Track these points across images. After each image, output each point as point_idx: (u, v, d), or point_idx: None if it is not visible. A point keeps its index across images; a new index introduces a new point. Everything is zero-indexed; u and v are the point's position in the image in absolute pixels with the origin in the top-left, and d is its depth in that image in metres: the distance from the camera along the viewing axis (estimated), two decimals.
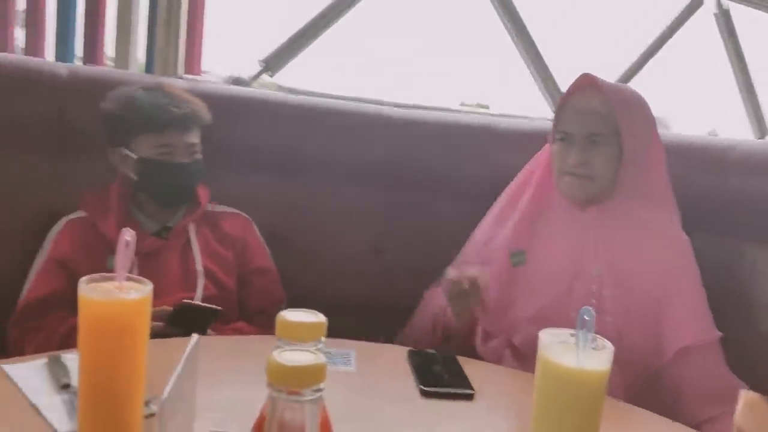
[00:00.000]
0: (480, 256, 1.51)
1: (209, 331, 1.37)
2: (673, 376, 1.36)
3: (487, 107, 3.50)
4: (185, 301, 1.33)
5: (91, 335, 0.79)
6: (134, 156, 1.48)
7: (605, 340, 0.87)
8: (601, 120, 1.40)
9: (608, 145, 1.40)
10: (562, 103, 1.46)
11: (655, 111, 1.48)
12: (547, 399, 0.87)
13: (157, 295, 0.84)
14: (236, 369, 1.10)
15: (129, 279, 0.83)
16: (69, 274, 1.42)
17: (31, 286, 1.44)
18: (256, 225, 1.64)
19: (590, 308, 0.85)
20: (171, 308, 1.32)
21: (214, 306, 1.33)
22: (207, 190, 1.60)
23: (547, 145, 1.51)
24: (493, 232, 1.53)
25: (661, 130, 1.47)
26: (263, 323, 1.49)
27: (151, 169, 1.47)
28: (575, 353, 0.84)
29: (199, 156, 1.52)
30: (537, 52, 2.46)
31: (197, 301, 1.39)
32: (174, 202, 1.53)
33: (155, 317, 1.29)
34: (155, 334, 1.25)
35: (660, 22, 2.58)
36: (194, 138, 1.52)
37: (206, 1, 2.48)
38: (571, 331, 0.88)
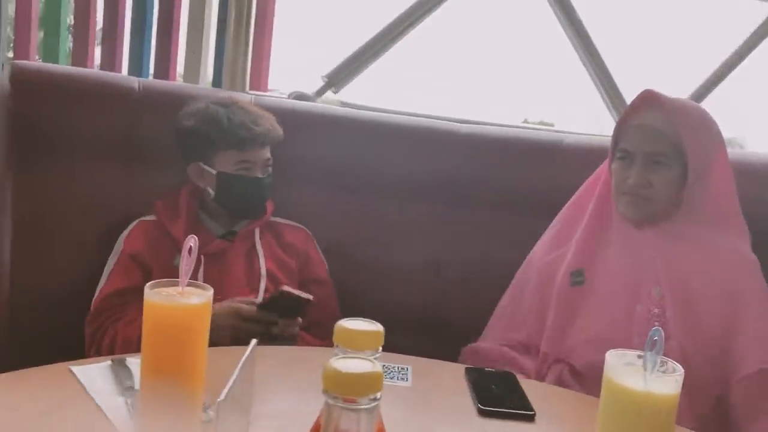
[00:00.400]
0: (540, 274, 1.48)
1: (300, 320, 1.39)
2: (737, 407, 1.29)
3: (551, 125, 3.44)
4: (283, 287, 1.36)
5: (153, 338, 0.81)
6: (213, 171, 1.53)
7: (675, 362, 0.83)
8: (663, 139, 1.35)
9: (670, 165, 1.35)
10: (623, 119, 1.42)
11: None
12: (613, 423, 0.83)
13: (221, 294, 0.86)
14: (293, 377, 1.10)
15: (191, 284, 0.84)
16: (141, 269, 1.48)
17: (104, 284, 1.50)
18: (316, 237, 1.66)
19: (659, 329, 0.82)
20: (256, 301, 1.37)
21: (309, 296, 1.37)
22: (271, 201, 1.63)
23: (606, 162, 1.47)
24: (551, 250, 1.49)
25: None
26: (319, 334, 1.50)
27: (231, 183, 1.52)
28: (643, 376, 0.80)
29: (271, 170, 1.57)
30: (604, 67, 2.41)
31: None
32: (249, 214, 1.58)
33: (246, 305, 1.35)
34: (240, 328, 1.31)
35: (736, 38, 2.49)
36: (269, 153, 1.57)
37: (274, 19, 2.54)
38: (639, 352, 0.84)
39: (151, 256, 1.48)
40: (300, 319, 1.40)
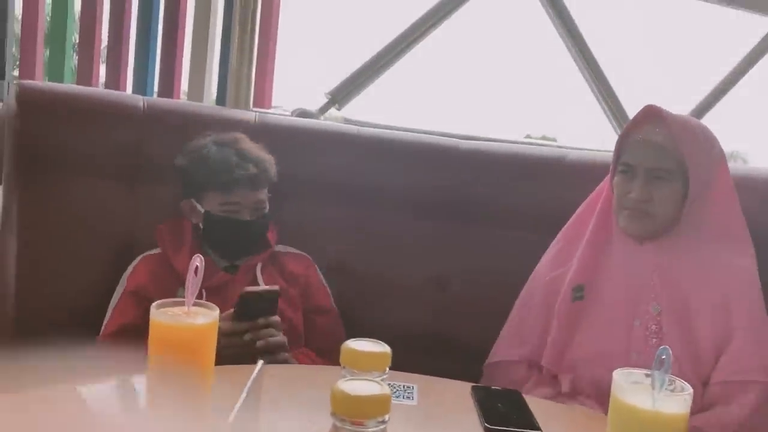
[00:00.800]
0: (544, 291, 1.48)
1: (277, 317, 1.37)
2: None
3: (553, 140, 3.45)
4: (244, 290, 1.34)
5: (160, 358, 0.81)
6: (201, 209, 1.53)
7: (684, 381, 0.82)
8: (665, 154, 1.35)
9: (672, 181, 1.35)
10: (625, 134, 1.42)
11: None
12: None
13: None
14: (300, 398, 1.09)
15: (197, 304, 0.84)
16: (145, 304, 1.45)
17: (107, 322, 1.49)
18: (320, 255, 1.65)
19: (668, 348, 0.81)
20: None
21: (273, 287, 1.35)
22: (275, 231, 1.62)
23: (607, 177, 1.47)
24: (555, 267, 1.49)
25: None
26: (325, 363, 1.49)
27: (216, 224, 1.51)
28: (651, 395, 0.80)
29: (265, 211, 1.55)
30: (607, 82, 2.42)
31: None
32: (237, 255, 1.56)
33: (222, 323, 1.32)
34: (226, 345, 1.28)
35: (739, 53, 2.50)
36: (262, 195, 1.54)
37: (277, 37, 2.56)
38: (646, 371, 0.84)
39: (154, 290, 1.46)
40: (278, 318, 1.37)
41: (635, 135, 1.40)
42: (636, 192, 1.36)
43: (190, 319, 0.82)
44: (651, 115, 1.38)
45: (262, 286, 1.36)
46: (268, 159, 1.56)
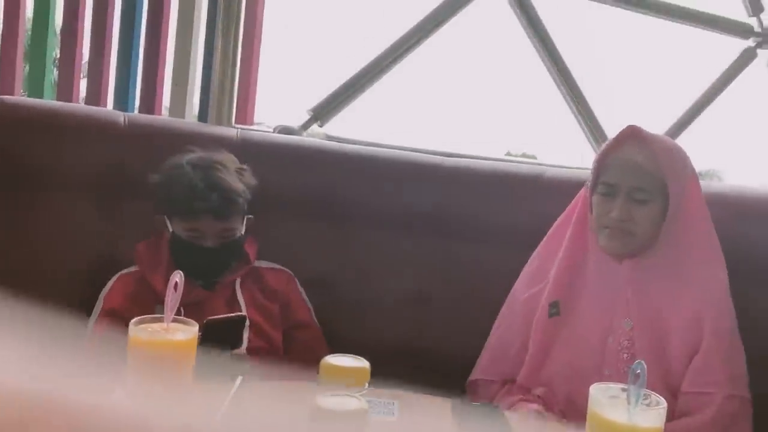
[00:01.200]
0: (523, 309, 1.49)
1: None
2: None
3: (534, 157, 3.49)
4: (208, 319, 1.32)
5: (139, 374, 0.80)
6: (170, 229, 1.52)
7: (659, 396, 0.83)
8: (646, 175, 1.37)
9: (653, 201, 1.37)
10: (605, 153, 1.44)
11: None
12: None
13: None
14: (278, 413, 1.09)
15: (176, 320, 0.84)
16: (121, 324, 1.43)
17: (86, 341, 1.46)
18: (301, 271, 1.65)
19: (642, 362, 0.83)
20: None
21: (238, 314, 1.35)
22: (255, 245, 1.61)
23: (579, 195, 1.49)
24: (533, 284, 1.50)
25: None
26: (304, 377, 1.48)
27: (180, 247, 1.50)
28: (627, 409, 0.81)
29: (234, 237, 1.52)
30: (584, 101, 2.45)
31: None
32: (204, 277, 1.53)
33: None
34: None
35: (713, 73, 2.56)
36: (229, 224, 1.51)
37: (260, 54, 2.56)
38: (622, 385, 0.85)
39: (130, 309, 1.44)
40: (243, 350, 1.36)
41: (615, 155, 1.42)
42: (617, 211, 1.38)
43: (169, 335, 0.82)
44: (632, 135, 1.40)
45: (227, 315, 1.35)
46: (241, 189, 1.52)
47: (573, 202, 1.52)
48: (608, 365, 1.34)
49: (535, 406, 1.34)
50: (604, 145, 1.47)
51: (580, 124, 2.49)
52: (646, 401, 0.82)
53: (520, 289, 1.53)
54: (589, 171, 1.47)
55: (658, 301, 1.37)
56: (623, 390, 0.84)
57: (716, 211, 1.45)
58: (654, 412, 0.81)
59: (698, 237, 1.41)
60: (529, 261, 1.55)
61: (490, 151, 2.53)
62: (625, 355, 1.33)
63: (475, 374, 1.51)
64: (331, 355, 0.70)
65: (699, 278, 1.38)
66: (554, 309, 1.43)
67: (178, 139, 1.67)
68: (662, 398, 0.83)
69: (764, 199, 1.64)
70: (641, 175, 1.37)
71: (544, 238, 1.54)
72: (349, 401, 0.60)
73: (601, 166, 1.44)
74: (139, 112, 2.46)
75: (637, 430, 0.80)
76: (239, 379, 0.82)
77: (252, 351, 1.45)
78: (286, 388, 1.26)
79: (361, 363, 0.70)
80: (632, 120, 1.43)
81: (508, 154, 3.25)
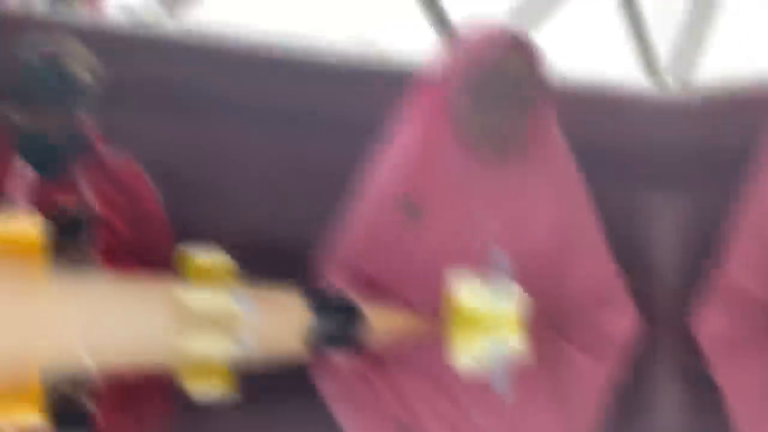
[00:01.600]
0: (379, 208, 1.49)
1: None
2: None
3: (373, 42, 3.41)
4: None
5: None
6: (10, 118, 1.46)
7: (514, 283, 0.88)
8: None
9: (523, 103, 1.41)
10: (479, 60, 1.42)
11: None
12: None
13: None
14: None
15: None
16: None
17: None
18: (154, 165, 1.59)
19: (500, 250, 0.87)
20: None
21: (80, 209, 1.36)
22: (101, 138, 1.55)
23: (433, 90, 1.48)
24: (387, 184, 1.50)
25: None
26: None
27: (21, 136, 1.46)
28: (487, 294, 0.85)
29: (78, 128, 1.49)
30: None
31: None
32: (42, 169, 1.48)
33: None
34: None
35: None
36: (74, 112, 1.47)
37: None
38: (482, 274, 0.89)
39: None
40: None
41: (491, 62, 1.41)
42: (492, 116, 1.40)
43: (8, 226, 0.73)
44: (502, 39, 1.42)
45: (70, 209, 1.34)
46: (87, 79, 1.48)
47: (420, 96, 1.50)
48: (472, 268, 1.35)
49: None
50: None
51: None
52: (503, 286, 0.87)
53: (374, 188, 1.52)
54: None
55: (517, 206, 1.40)
56: (481, 278, 0.88)
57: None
58: (510, 295, 0.87)
59: (547, 138, 1.47)
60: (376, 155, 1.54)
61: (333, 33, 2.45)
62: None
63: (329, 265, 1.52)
64: (186, 246, 0.67)
65: (554, 181, 1.45)
66: (412, 209, 1.43)
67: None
68: (515, 284, 0.89)
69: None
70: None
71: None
72: (219, 300, 0.57)
73: (473, 72, 1.42)
74: None
75: (494, 315, 0.85)
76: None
77: (99, 245, 1.41)
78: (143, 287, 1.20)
79: (221, 257, 0.68)
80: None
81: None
